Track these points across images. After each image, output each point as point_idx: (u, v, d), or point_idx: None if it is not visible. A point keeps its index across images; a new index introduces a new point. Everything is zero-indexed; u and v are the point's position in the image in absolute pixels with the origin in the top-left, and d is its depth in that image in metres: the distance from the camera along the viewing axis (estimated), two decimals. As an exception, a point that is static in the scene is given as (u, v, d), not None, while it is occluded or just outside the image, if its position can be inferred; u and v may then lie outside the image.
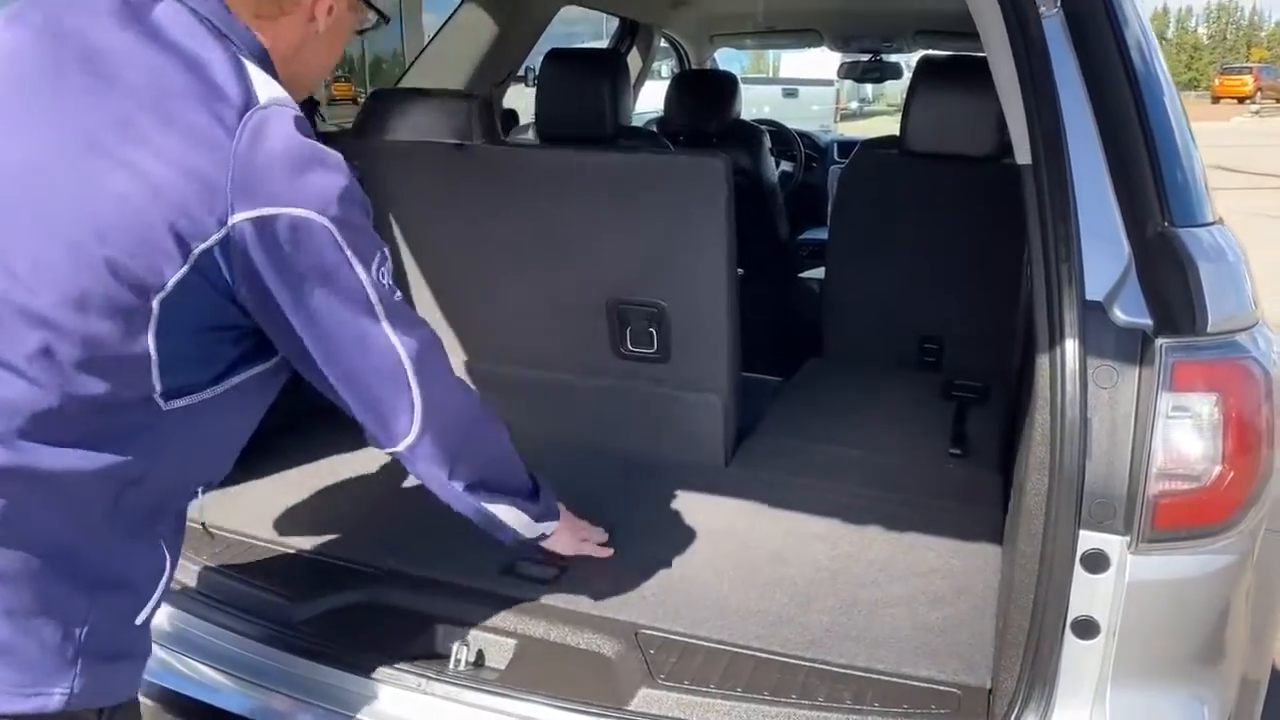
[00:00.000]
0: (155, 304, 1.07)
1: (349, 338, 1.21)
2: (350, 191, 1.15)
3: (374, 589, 1.71)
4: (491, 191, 2.16)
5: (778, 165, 4.54)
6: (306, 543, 1.85)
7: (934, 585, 1.74)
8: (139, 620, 1.19)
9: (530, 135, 3.18)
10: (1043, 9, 1.35)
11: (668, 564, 1.79)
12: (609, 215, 2.12)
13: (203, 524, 1.76)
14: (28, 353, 1.04)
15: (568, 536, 1.70)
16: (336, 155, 1.16)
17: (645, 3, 3.97)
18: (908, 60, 4.78)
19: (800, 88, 13.87)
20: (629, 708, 1.45)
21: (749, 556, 1.84)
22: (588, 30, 8.47)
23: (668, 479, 2.13)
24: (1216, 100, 38.68)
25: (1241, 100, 36.91)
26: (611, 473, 2.15)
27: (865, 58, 4.75)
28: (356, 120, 2.21)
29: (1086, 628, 1.29)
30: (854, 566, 1.81)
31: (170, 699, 1.60)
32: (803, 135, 4.98)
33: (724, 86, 3.93)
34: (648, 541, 1.87)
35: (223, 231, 1.07)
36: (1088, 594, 1.28)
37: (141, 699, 1.55)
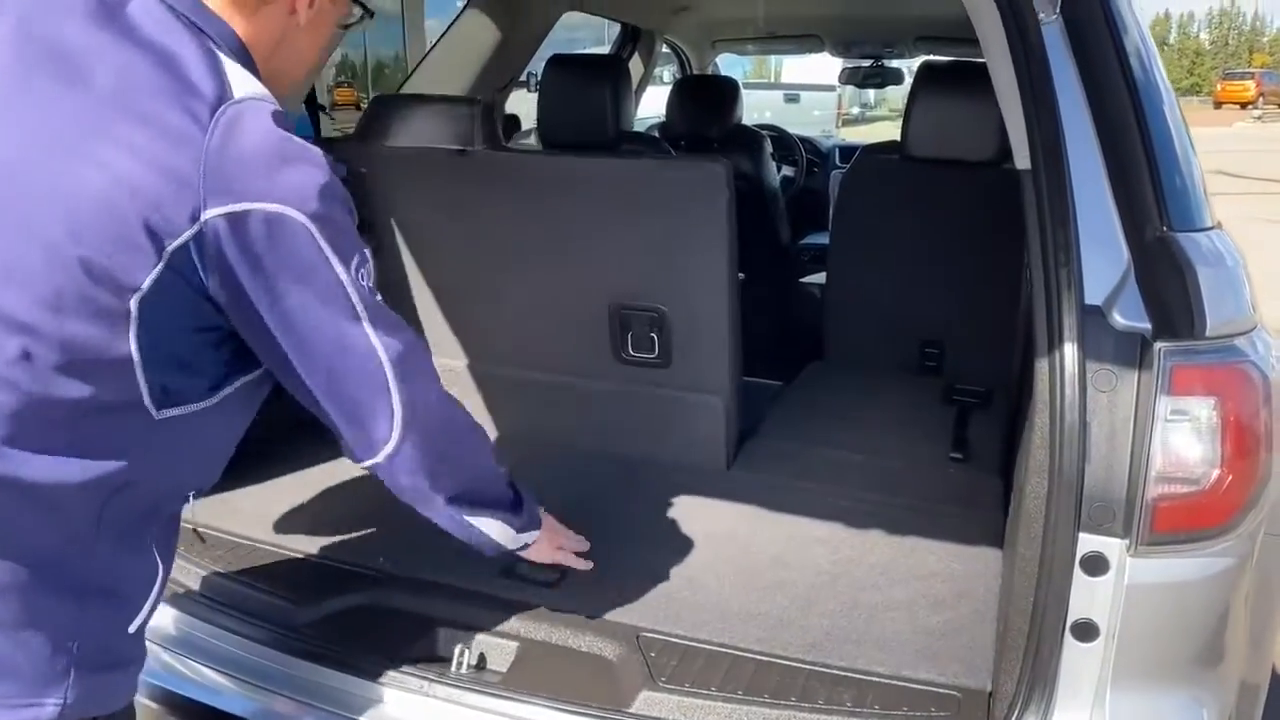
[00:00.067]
0: (133, 305, 1.04)
1: (327, 339, 1.16)
2: (331, 188, 1.12)
3: (376, 592, 1.71)
4: (493, 196, 2.17)
5: (779, 170, 4.53)
6: (309, 546, 1.85)
7: (935, 589, 1.75)
8: (132, 628, 1.17)
9: (532, 140, 3.18)
10: (1042, 15, 1.35)
11: (669, 567, 1.80)
12: (611, 220, 2.13)
13: (195, 529, 1.77)
14: (8, 358, 1.01)
15: (545, 545, 1.66)
16: (317, 151, 1.12)
17: (647, 8, 3.98)
18: (909, 65, 4.78)
19: (802, 93, 13.91)
20: (630, 710, 1.45)
21: (750, 560, 1.84)
22: (589, 36, 8.48)
23: (669, 482, 2.13)
24: (1219, 105, 38.65)
25: (1244, 105, 36.82)
26: (613, 475, 2.15)
27: (866, 63, 4.74)
28: (359, 125, 2.21)
29: (1086, 631, 1.30)
30: (855, 570, 1.81)
31: (173, 701, 1.60)
32: (804, 140, 4.98)
33: (725, 92, 3.93)
34: (649, 544, 1.87)
35: (195, 227, 1.04)
36: (1087, 597, 1.29)
37: (145, 701, 1.56)
